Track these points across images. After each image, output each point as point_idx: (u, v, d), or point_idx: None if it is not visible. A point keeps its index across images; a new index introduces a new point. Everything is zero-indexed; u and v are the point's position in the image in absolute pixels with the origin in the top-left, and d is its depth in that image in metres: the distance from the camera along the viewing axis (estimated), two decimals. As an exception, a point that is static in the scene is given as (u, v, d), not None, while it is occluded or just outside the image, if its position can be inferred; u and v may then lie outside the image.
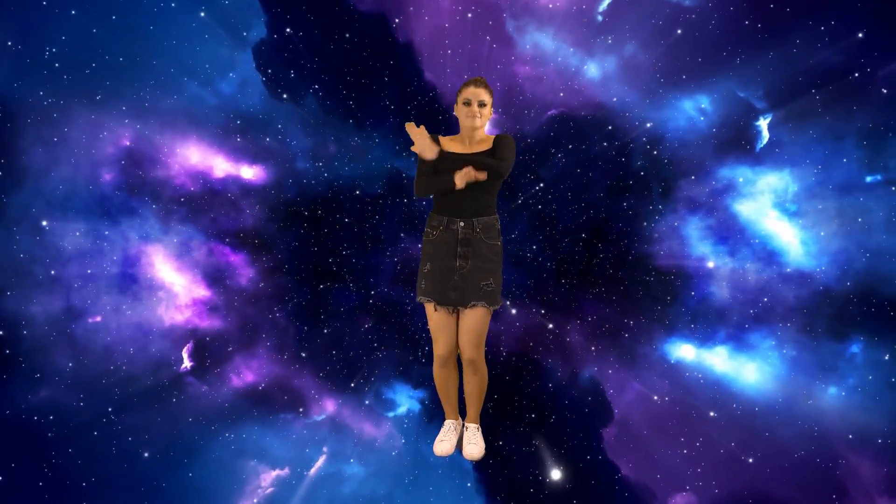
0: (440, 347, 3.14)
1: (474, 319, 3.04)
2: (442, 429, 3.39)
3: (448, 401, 3.36)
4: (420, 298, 3.13)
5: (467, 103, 3.03)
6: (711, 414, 6.83)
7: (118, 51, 6.55)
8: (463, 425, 3.44)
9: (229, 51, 7.04)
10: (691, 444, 6.87)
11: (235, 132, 7.12)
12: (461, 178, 2.90)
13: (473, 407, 3.32)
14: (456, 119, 3.17)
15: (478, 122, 3.03)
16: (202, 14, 6.79)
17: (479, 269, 3.03)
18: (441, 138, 3.15)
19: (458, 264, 3.02)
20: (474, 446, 3.29)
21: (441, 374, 3.25)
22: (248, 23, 7.05)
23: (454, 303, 3.04)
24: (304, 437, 7.35)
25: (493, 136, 3.12)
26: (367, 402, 7.53)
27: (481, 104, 3.03)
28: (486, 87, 3.07)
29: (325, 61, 7.10)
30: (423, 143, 2.94)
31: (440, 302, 3.05)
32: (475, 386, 3.21)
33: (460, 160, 2.97)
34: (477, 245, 3.01)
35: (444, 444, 3.33)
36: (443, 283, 3.03)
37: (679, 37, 6.55)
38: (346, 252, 7.54)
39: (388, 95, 7.20)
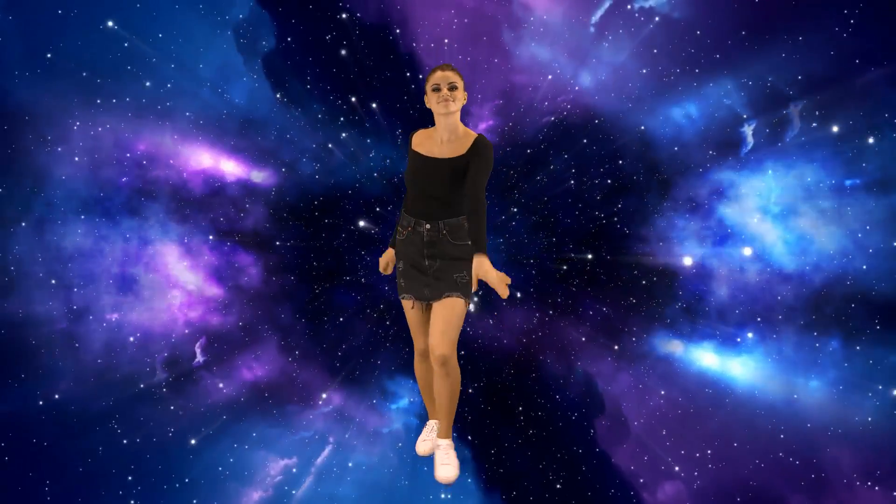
0: (419, 342, 3.10)
1: (447, 309, 2.85)
2: (424, 428, 3.30)
3: (430, 399, 3.27)
4: (400, 296, 3.05)
5: (436, 88, 2.77)
6: (699, 406, 7.05)
7: (128, 57, 6.70)
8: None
9: (239, 59, 7.27)
10: (680, 436, 7.08)
11: (245, 137, 7.33)
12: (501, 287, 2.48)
13: (444, 417, 3.01)
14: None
15: (451, 106, 2.77)
16: (213, 23, 7.05)
17: (448, 267, 2.89)
18: (416, 135, 2.98)
19: (427, 264, 2.92)
20: (447, 467, 3.01)
21: (421, 369, 3.19)
22: (259, 33, 7.26)
23: (428, 298, 2.93)
24: (311, 428, 7.51)
25: (472, 139, 2.84)
26: (371, 395, 7.69)
27: (452, 87, 2.76)
28: (455, 70, 2.82)
29: (330, 70, 7.31)
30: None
31: (417, 298, 2.98)
32: (445, 390, 2.90)
33: (431, 164, 2.84)
34: (443, 247, 2.89)
35: (425, 443, 3.23)
36: (416, 280, 2.95)
37: (668, 46, 6.78)
38: (352, 251, 7.71)
39: (390, 102, 7.40)
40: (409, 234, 2.95)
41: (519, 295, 7.75)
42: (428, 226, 2.89)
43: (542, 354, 7.67)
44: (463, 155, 2.80)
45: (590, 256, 7.31)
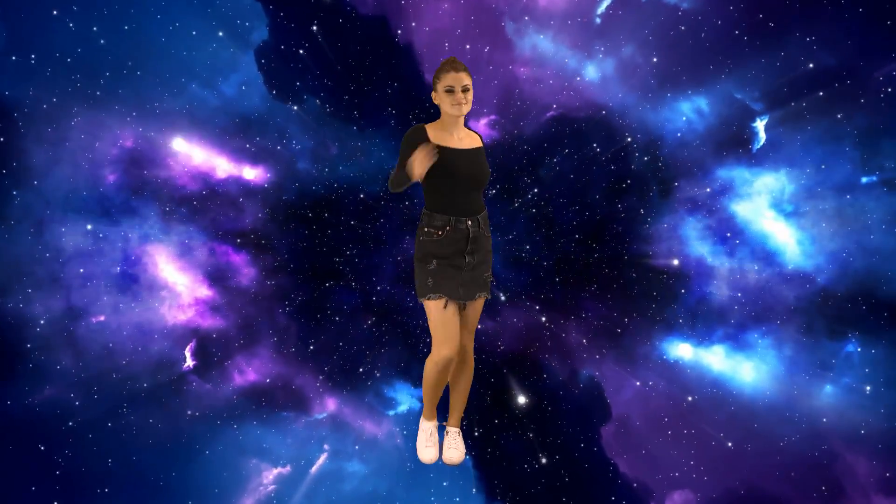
0: (448, 348, 2.97)
1: (476, 310, 3.19)
2: (423, 433, 3.35)
3: (434, 401, 3.28)
4: (428, 297, 2.98)
5: (450, 90, 2.90)
6: (708, 412, 6.90)
7: (119, 52, 6.63)
8: (441, 427, 3.44)
9: (231, 53, 7.15)
10: (689, 442, 6.95)
11: (237, 133, 7.23)
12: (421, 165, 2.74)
13: (458, 408, 3.41)
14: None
15: (464, 108, 2.92)
16: (205, 16, 6.91)
17: (481, 262, 3.07)
18: (427, 129, 2.96)
19: (466, 261, 3.00)
20: (455, 451, 3.36)
21: (439, 377, 3.09)
22: (250, 25, 7.15)
23: (462, 297, 3.01)
24: (305, 435, 7.45)
25: (476, 135, 3.10)
26: (367, 401, 7.62)
27: (465, 89, 2.90)
28: (466, 69, 2.94)
29: (326, 63, 7.20)
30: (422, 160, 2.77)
31: (451, 297, 2.97)
32: (464, 379, 3.33)
33: (464, 155, 2.95)
34: (480, 241, 3.04)
35: (430, 450, 3.32)
36: (451, 279, 2.97)
37: (676, 39, 6.63)
38: (348, 252, 7.62)
39: (389, 97, 7.30)
40: (449, 232, 2.97)
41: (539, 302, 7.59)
42: (470, 222, 2.99)
43: (545, 358, 7.53)
44: (481, 146, 3.08)
45: (675, 262, 7.06)
